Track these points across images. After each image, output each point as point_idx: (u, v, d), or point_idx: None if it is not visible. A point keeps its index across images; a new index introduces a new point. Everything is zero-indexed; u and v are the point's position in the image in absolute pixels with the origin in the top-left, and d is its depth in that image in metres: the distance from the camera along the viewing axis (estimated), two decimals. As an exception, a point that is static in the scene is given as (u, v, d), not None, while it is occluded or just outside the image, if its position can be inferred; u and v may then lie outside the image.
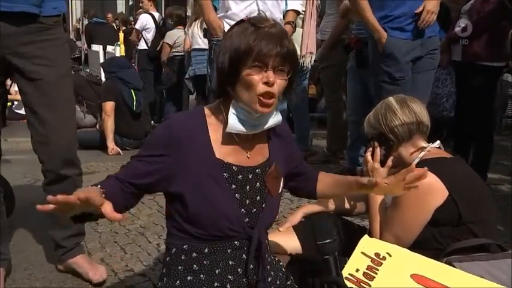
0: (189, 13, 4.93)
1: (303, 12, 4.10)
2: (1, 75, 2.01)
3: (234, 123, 1.32)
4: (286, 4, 3.17)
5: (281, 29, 1.31)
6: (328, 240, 1.31)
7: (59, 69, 2.05)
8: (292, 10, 3.20)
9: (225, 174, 1.35)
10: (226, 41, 1.32)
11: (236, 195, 1.35)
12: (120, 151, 4.87)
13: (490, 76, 3.53)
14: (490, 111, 3.72)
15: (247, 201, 1.37)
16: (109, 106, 4.90)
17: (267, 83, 1.27)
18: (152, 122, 6.03)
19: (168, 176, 1.32)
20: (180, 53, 6.19)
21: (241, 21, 1.34)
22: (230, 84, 1.31)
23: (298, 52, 4.06)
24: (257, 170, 1.40)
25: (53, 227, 2.21)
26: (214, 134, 1.36)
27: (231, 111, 1.33)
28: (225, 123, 1.35)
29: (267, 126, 1.36)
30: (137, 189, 1.34)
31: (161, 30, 6.57)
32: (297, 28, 4.06)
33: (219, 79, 1.35)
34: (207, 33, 3.26)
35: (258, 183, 1.40)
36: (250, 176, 1.38)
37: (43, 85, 2.00)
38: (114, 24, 11.22)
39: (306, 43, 4.16)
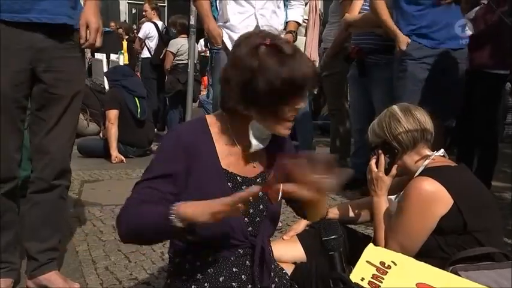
0: (192, 22, 4.92)
1: (306, 21, 4.12)
2: (29, 88, 1.99)
3: (256, 144, 1.36)
4: (286, 15, 3.19)
5: (304, 54, 1.36)
6: (333, 236, 1.32)
7: (77, 86, 2.07)
8: (293, 21, 3.22)
9: (229, 184, 1.36)
10: (256, 63, 1.26)
11: (239, 205, 1.36)
12: (124, 159, 4.88)
13: (495, 84, 3.54)
14: (494, 118, 3.73)
15: (251, 210, 1.38)
16: (113, 114, 4.92)
17: (296, 110, 1.31)
18: (155, 130, 6.04)
19: (179, 188, 1.32)
20: (184, 61, 6.22)
21: (260, 43, 1.29)
22: (255, 109, 1.30)
23: None
24: (258, 180, 1.42)
25: (29, 239, 2.11)
26: (219, 143, 1.37)
27: (251, 132, 1.34)
28: (228, 133, 1.37)
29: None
30: None
31: (164, 38, 6.61)
32: (299, 36, 4.08)
33: (241, 99, 1.29)
34: (208, 42, 3.29)
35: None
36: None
37: (59, 99, 2.01)
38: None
39: (309, 51, 4.18)
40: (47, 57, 1.95)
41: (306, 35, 4.25)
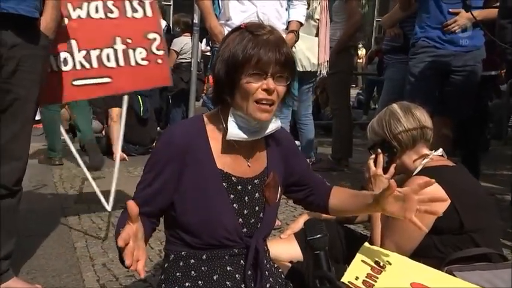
0: (196, 20, 4.92)
1: (317, 21, 4.13)
2: None
3: (233, 130, 1.31)
4: (288, 15, 3.19)
5: (279, 36, 1.30)
6: (318, 236, 1.31)
7: (39, 85, 1.97)
8: (296, 20, 3.22)
9: (224, 184, 1.34)
10: (223, 49, 1.31)
11: (234, 205, 1.35)
12: (126, 157, 4.88)
13: (484, 85, 3.57)
14: (485, 119, 3.80)
15: (245, 211, 1.37)
16: (116, 112, 4.93)
17: (266, 90, 1.26)
18: (158, 128, 6.05)
19: (174, 187, 1.32)
20: (187, 60, 6.21)
21: (238, 28, 1.34)
22: (228, 92, 1.30)
23: (315, 61, 4.08)
24: (255, 181, 1.39)
25: None
26: (215, 142, 1.35)
27: (230, 118, 1.32)
28: (224, 131, 1.35)
29: (267, 131, 1.36)
30: (159, 212, 1.36)
31: (166, 37, 6.60)
32: (310, 37, 4.07)
33: (216, 87, 1.33)
34: (209, 40, 3.29)
35: (257, 194, 1.39)
36: (249, 187, 1.38)
37: (25, 102, 1.91)
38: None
39: (322, 51, 4.15)
40: (18, 54, 1.83)
41: (318, 35, 4.22)
